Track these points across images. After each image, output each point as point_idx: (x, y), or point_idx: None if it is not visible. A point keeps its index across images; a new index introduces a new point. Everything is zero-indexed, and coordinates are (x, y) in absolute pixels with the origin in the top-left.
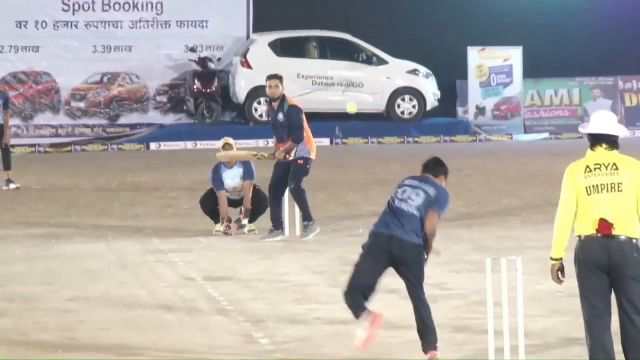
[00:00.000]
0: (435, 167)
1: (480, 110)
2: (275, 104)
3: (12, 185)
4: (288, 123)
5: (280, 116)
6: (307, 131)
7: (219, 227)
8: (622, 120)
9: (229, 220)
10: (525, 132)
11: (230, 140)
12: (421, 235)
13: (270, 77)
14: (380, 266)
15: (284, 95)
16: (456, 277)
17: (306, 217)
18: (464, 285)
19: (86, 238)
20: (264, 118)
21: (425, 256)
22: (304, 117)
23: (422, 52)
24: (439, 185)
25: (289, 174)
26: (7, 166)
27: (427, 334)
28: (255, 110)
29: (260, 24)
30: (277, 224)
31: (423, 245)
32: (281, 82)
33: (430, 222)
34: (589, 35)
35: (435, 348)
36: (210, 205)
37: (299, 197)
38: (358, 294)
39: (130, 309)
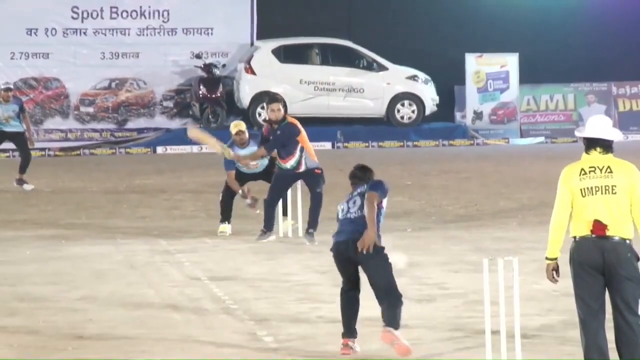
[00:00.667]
0: (363, 174)
1: (478, 115)
2: (276, 126)
3: (26, 187)
4: (280, 137)
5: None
6: (309, 146)
7: (224, 227)
8: (615, 125)
9: (249, 192)
10: (522, 136)
11: (243, 127)
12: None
13: (272, 101)
14: (349, 268)
15: (284, 117)
16: (455, 277)
17: (315, 225)
18: (463, 285)
19: (95, 239)
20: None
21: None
22: (302, 136)
23: (421, 58)
24: (369, 182)
25: (311, 183)
26: (23, 169)
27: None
28: (259, 115)
29: (264, 31)
30: (271, 226)
31: (382, 248)
32: (283, 105)
33: (368, 202)
34: (584, 42)
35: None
36: (227, 199)
37: (320, 204)
38: (352, 302)
39: (137, 308)
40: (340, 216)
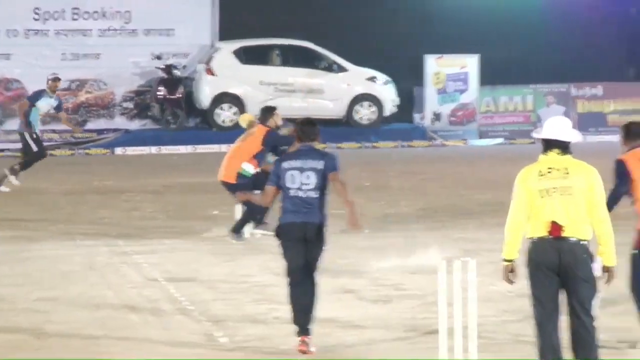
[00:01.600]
0: (311, 130)
1: (437, 117)
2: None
3: (2, 188)
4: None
5: None
6: None
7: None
8: (575, 126)
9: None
10: (481, 137)
11: (252, 117)
12: (324, 212)
13: (274, 108)
14: (302, 248)
15: None
16: (413, 279)
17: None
18: (421, 286)
19: (55, 240)
20: (227, 124)
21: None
22: None
23: (382, 59)
24: (322, 153)
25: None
26: (24, 166)
27: (309, 316)
28: (219, 116)
29: (227, 32)
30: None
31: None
32: None
33: (338, 184)
34: (544, 44)
35: (308, 333)
36: None
37: None
38: (303, 295)
39: (97, 309)
40: (288, 185)
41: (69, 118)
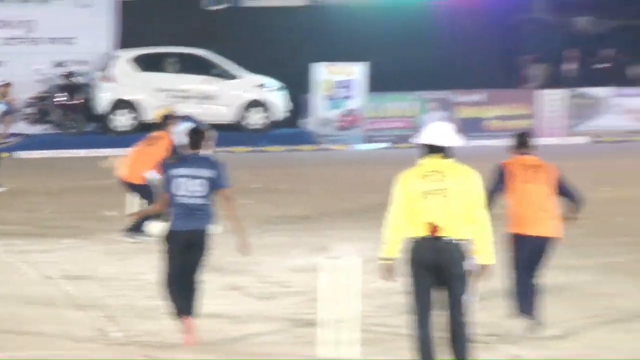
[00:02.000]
0: (198, 138)
1: (324, 122)
2: None
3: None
4: None
5: None
6: None
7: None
8: (458, 132)
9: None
10: (366, 142)
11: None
12: (213, 217)
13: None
14: (188, 254)
15: None
16: (297, 276)
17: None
18: (305, 283)
19: None
20: (122, 129)
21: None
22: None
23: (274, 67)
24: (211, 162)
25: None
26: None
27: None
28: (114, 121)
29: (127, 41)
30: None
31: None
32: None
33: (228, 203)
34: (429, 52)
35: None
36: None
37: None
38: (178, 290)
39: None
40: (177, 192)
41: (10, 122)
